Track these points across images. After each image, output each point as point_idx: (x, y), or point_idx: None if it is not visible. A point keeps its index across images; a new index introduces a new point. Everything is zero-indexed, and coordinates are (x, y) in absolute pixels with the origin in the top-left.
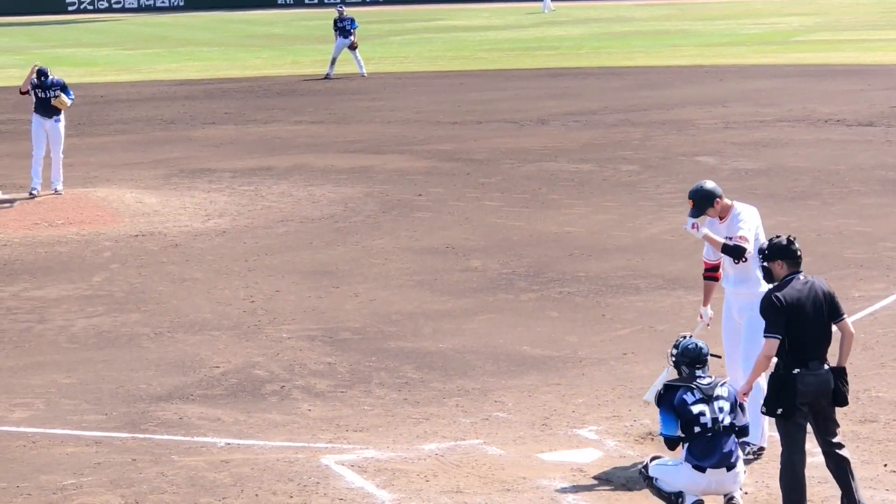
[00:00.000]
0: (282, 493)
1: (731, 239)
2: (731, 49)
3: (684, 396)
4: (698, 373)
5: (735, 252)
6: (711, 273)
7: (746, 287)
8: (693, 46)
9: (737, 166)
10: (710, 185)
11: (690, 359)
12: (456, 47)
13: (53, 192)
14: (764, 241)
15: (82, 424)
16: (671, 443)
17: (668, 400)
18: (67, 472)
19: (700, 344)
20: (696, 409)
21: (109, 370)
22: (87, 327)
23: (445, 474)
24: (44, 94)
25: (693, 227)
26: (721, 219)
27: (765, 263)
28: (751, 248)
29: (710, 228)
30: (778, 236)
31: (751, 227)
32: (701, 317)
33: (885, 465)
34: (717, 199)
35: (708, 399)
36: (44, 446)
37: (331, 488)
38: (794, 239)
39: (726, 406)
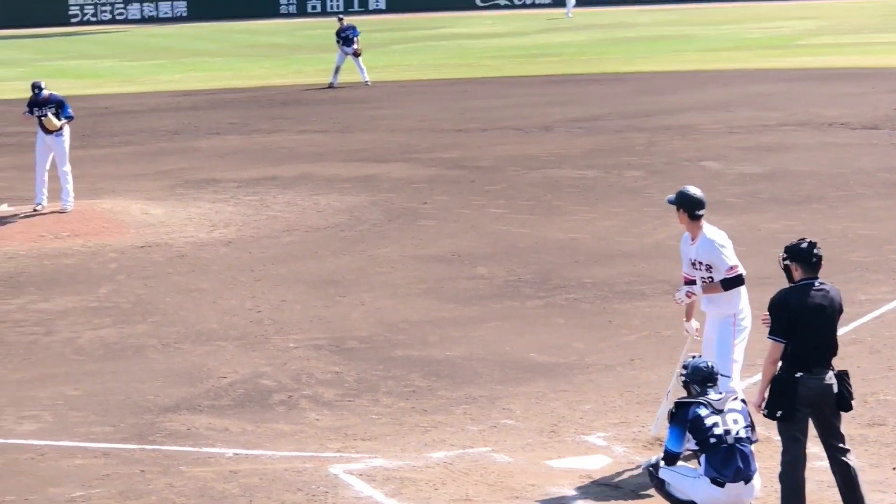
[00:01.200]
0: (290, 502)
1: (705, 268)
2: (734, 53)
3: (697, 411)
4: (709, 391)
5: (735, 283)
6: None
7: (718, 307)
8: (696, 51)
9: (741, 171)
10: (695, 191)
11: (702, 378)
12: (459, 55)
13: (60, 210)
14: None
15: (90, 436)
16: (671, 458)
17: (681, 416)
18: (76, 485)
19: (710, 363)
20: (709, 421)
21: (117, 382)
22: (93, 339)
23: (454, 482)
24: (40, 111)
25: (688, 295)
26: (693, 239)
27: (786, 262)
28: (742, 271)
29: (682, 247)
30: (802, 239)
31: (731, 251)
32: (686, 331)
33: (894, 469)
34: (697, 211)
35: (719, 412)
36: (52, 458)
37: (339, 497)
38: (816, 244)
39: (740, 418)
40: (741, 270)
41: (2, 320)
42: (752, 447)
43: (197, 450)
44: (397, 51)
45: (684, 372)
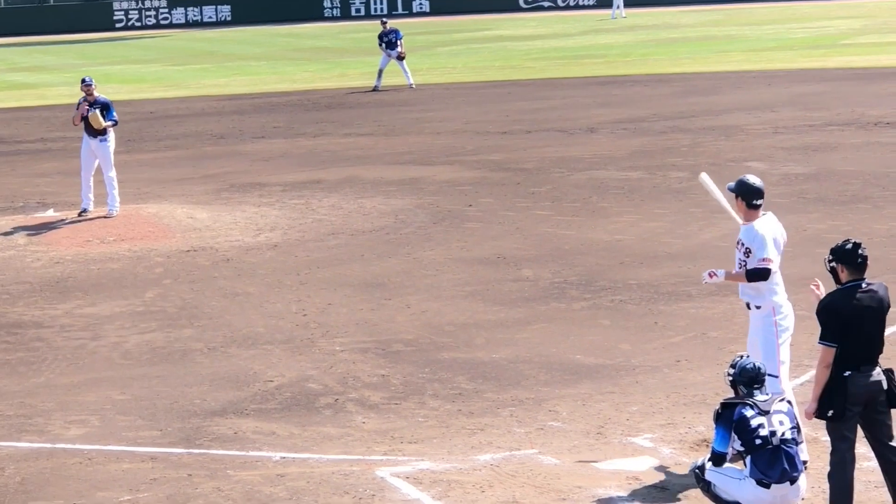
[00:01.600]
0: None
1: (744, 252)
2: (778, 53)
3: (743, 412)
4: (756, 392)
5: (759, 275)
6: None
7: (755, 300)
8: (740, 52)
9: (786, 171)
10: (755, 180)
11: (749, 378)
12: (503, 57)
13: (106, 215)
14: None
15: (137, 440)
16: (718, 459)
17: (727, 417)
18: (124, 489)
19: (758, 364)
20: (754, 422)
21: (163, 386)
22: (140, 343)
23: (501, 484)
24: (88, 112)
25: (710, 275)
26: (746, 222)
27: (832, 265)
28: (775, 268)
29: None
30: (846, 240)
31: (772, 246)
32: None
33: None
34: (755, 201)
35: (765, 413)
36: (100, 463)
37: (387, 500)
38: (861, 245)
39: (786, 420)
40: (772, 267)
41: (49, 325)
42: (800, 447)
43: (244, 453)
44: (441, 53)
45: (731, 371)
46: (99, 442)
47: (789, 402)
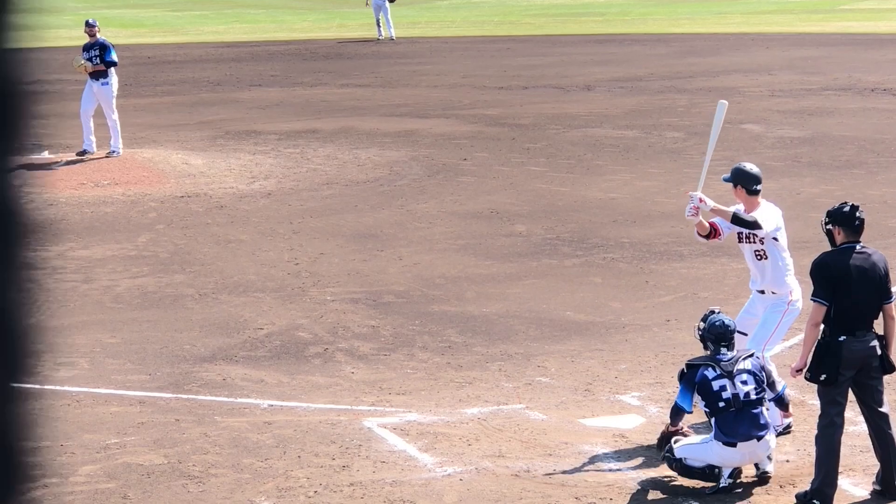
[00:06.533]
0: (324, 454)
1: (759, 241)
2: (777, 17)
3: (705, 373)
4: (722, 350)
5: (746, 223)
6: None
7: (773, 288)
8: (739, 14)
9: (782, 134)
10: (751, 167)
11: (716, 336)
12: (503, 12)
13: (109, 153)
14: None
15: (126, 384)
16: (677, 413)
17: (690, 377)
18: (111, 432)
19: (727, 321)
20: (716, 384)
21: (154, 330)
22: (131, 287)
23: (487, 438)
24: (87, 54)
25: (700, 201)
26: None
27: (828, 227)
28: (763, 234)
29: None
30: (844, 203)
31: (770, 222)
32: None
33: None
34: (755, 186)
35: (729, 375)
36: (88, 405)
37: (373, 451)
38: (858, 208)
39: (749, 379)
40: (761, 225)
41: (41, 267)
42: (767, 405)
43: (232, 400)
44: (441, 7)
45: (701, 326)
46: (88, 384)
47: (758, 357)
